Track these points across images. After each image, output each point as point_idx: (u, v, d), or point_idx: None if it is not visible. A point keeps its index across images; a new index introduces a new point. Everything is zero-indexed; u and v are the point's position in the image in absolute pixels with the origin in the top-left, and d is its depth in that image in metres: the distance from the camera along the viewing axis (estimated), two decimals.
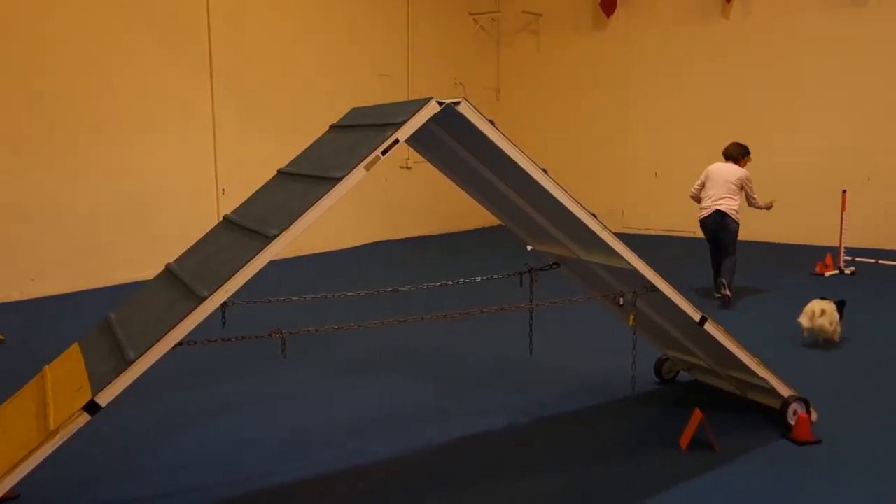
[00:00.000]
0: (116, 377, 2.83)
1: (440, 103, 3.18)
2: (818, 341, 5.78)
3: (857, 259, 8.97)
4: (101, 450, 4.01)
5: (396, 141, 3.14)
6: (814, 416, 4.17)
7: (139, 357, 2.85)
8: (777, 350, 5.56)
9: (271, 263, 3.06)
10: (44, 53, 7.80)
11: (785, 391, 4.15)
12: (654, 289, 3.91)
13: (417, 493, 3.56)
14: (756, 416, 4.34)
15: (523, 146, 3.53)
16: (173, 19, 8.89)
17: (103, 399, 2.81)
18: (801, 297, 6.15)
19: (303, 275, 8.86)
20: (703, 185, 7.44)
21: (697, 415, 3.96)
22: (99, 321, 3.61)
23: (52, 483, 3.58)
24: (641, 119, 12.48)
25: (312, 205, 3.01)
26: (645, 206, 12.50)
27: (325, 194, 3.03)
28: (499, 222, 4.78)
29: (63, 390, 3.12)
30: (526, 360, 4.95)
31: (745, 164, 7.50)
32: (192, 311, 2.90)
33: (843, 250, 8.73)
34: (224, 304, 3.06)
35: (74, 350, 3.48)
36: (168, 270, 3.60)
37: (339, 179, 3.05)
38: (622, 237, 3.82)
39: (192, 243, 3.77)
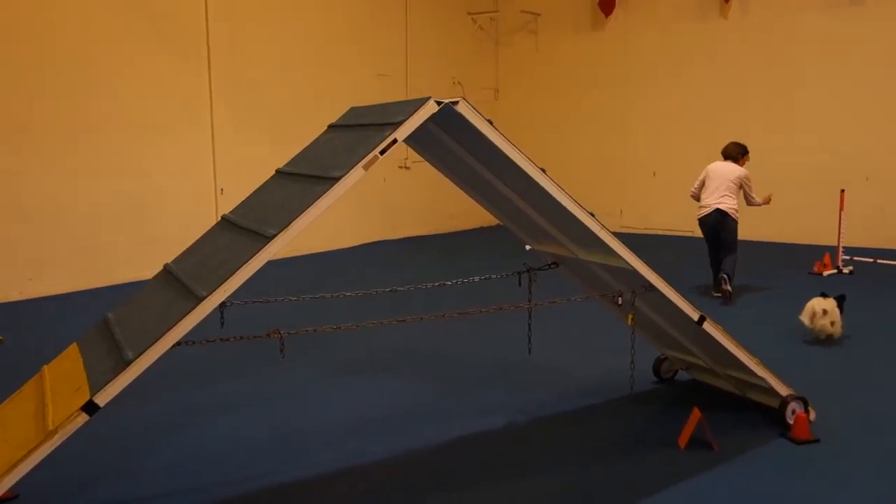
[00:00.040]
0: (115, 377, 2.83)
1: (439, 103, 3.18)
2: (820, 338, 5.81)
3: (856, 258, 8.97)
4: (100, 450, 4.01)
5: (395, 141, 3.13)
6: (812, 415, 4.17)
7: (138, 357, 2.84)
8: (775, 349, 5.56)
9: (270, 263, 3.06)
10: (44, 53, 7.80)
11: (783, 390, 4.16)
12: (652, 288, 3.91)
13: (417, 493, 3.57)
14: (755, 415, 4.35)
15: (522, 146, 3.53)
16: (173, 20, 8.89)
17: (102, 399, 2.81)
18: (799, 296, 6.16)
19: (301, 275, 8.86)
20: (702, 184, 7.47)
21: (696, 414, 3.96)
22: (97, 321, 3.60)
23: (50, 483, 3.58)
24: (640, 119, 12.48)
25: (311, 205, 3.01)
26: (644, 205, 12.50)
27: (323, 194, 3.02)
28: (497, 222, 4.77)
29: (61, 390, 3.11)
30: (525, 360, 4.95)
31: (744, 164, 7.53)
32: (190, 311, 2.90)
33: (841, 249, 8.73)
34: (222, 304, 3.07)
35: (73, 350, 3.47)
36: (166, 270, 3.60)
37: (337, 179, 3.05)
38: (621, 237, 3.82)
39: (190, 243, 3.76)
